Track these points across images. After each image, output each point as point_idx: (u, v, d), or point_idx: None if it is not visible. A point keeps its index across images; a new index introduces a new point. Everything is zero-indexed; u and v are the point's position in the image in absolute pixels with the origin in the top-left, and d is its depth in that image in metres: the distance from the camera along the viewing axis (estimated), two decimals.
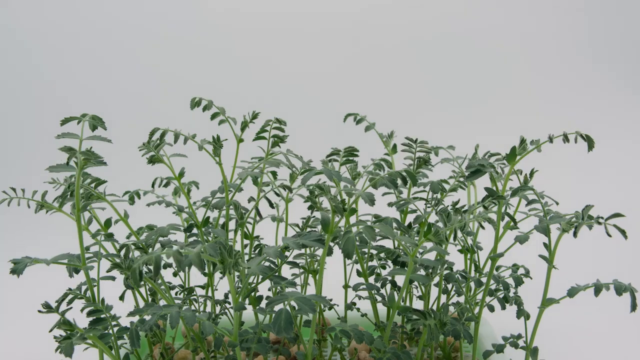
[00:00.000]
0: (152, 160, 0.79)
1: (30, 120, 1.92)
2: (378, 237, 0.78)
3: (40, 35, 1.96)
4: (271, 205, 0.89)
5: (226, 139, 0.79)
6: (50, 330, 0.68)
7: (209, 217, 0.84)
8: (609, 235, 0.64)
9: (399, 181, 0.62)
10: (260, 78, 1.96)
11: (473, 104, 1.98)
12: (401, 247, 0.76)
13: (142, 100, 1.94)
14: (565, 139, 0.69)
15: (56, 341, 0.67)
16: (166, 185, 0.87)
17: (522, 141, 0.73)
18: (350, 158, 0.82)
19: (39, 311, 0.72)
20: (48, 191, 0.73)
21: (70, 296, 0.75)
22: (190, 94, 0.81)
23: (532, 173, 0.80)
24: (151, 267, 0.49)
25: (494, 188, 0.72)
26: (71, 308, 0.73)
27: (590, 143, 0.69)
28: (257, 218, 0.85)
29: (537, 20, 2.03)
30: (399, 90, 1.99)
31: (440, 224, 0.70)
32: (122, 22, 2.00)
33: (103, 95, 1.94)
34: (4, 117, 1.94)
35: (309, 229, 0.90)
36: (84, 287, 0.76)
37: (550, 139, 0.69)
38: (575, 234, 0.66)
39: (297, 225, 0.92)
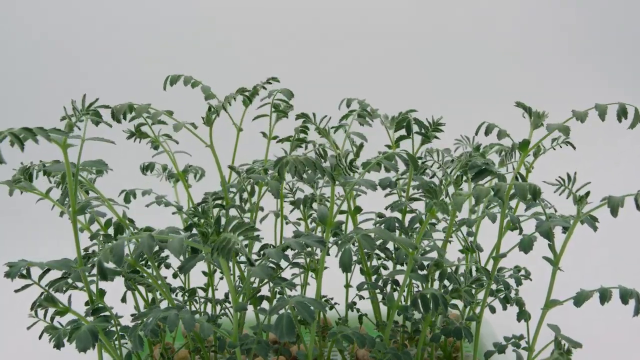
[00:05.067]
0: (138, 131, 0.76)
1: (28, 117, 1.91)
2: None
3: (38, 32, 1.95)
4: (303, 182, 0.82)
5: (214, 112, 0.75)
6: (32, 308, 0.62)
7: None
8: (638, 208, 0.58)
9: (401, 183, 0.61)
10: (259, 77, 1.94)
11: (471, 100, 1.97)
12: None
13: (141, 100, 1.93)
14: (602, 113, 0.60)
15: (30, 315, 0.61)
16: (155, 147, 0.83)
17: (529, 110, 0.67)
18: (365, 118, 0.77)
19: (15, 290, 0.64)
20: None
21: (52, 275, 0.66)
22: (192, 95, 0.80)
23: (566, 129, 0.64)
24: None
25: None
26: (47, 275, 0.67)
27: (636, 118, 0.60)
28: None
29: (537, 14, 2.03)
30: (398, 89, 1.98)
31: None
32: (123, 22, 1.98)
33: (100, 94, 1.93)
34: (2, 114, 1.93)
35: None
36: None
37: (582, 119, 0.60)
38: None
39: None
